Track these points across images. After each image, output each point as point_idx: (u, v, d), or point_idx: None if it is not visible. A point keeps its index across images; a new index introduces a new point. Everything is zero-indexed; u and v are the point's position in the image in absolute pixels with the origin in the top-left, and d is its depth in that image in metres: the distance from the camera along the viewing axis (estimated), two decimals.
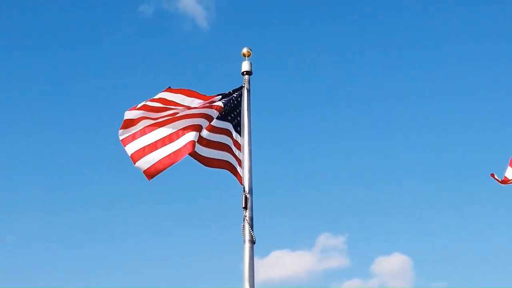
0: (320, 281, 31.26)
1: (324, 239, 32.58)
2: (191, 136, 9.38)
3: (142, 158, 9.43)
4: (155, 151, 9.47)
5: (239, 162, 10.16)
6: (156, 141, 9.54)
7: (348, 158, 34.61)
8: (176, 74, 32.94)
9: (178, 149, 9.45)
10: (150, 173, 9.44)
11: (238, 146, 10.29)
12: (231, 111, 10.35)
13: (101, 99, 34.12)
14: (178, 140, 9.46)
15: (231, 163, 10.11)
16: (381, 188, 34.03)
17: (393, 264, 32.11)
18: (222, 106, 10.12)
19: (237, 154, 10.22)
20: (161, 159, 9.43)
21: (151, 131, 9.59)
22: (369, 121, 35.27)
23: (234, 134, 10.35)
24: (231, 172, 10.09)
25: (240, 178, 10.03)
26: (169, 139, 9.51)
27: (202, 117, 9.73)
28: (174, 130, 9.53)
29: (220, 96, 10.32)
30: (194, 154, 9.80)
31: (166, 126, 9.61)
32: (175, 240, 30.39)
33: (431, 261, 31.30)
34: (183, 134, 9.45)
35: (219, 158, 10.14)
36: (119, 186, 31.80)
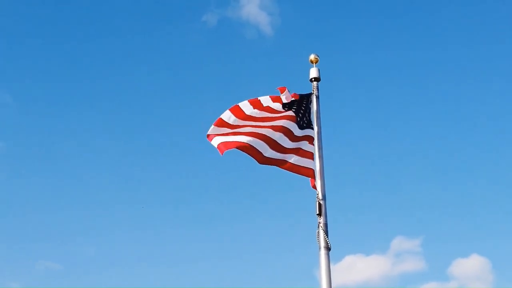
0: (395, 285, 30.83)
1: (398, 242, 32.16)
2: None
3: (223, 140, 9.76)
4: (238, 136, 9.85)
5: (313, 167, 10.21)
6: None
7: (420, 159, 34.13)
8: (242, 83, 33.21)
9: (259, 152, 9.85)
10: (223, 146, 9.74)
11: (311, 154, 10.31)
12: (306, 120, 10.41)
13: (170, 108, 34.65)
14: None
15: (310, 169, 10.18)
16: (456, 188, 33.39)
17: (471, 266, 31.42)
18: (294, 115, 10.24)
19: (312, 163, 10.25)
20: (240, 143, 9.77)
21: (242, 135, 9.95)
22: (442, 121, 34.68)
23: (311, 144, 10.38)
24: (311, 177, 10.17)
25: (314, 185, 10.06)
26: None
27: (283, 132, 10.07)
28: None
29: (288, 101, 10.40)
30: (285, 164, 10.10)
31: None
32: (251, 245, 30.54)
33: (511, 262, 30.44)
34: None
35: (307, 166, 10.22)
36: (200, 192, 32.19)
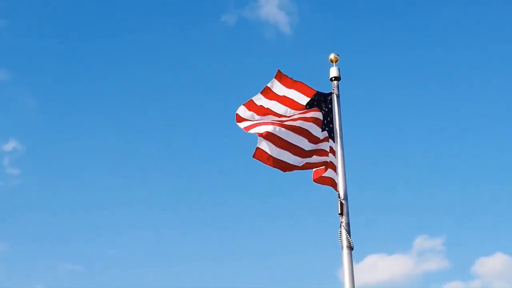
0: (418, 284, 30.65)
1: (421, 241, 31.97)
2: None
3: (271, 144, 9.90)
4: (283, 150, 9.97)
5: (334, 168, 10.19)
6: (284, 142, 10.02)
7: (443, 158, 33.92)
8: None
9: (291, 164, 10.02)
10: (263, 157, 9.91)
11: (334, 152, 10.30)
12: (326, 121, 10.41)
13: (190, 108, 34.76)
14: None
15: (331, 178, 10.19)
16: (479, 186, 33.16)
17: (495, 265, 31.14)
18: (321, 119, 10.28)
19: (333, 161, 10.25)
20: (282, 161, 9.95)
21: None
22: (464, 120, 34.43)
23: (333, 145, 10.38)
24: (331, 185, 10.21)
25: (335, 185, 10.05)
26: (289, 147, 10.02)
27: (308, 137, 10.15)
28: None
29: (314, 102, 10.44)
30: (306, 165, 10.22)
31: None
32: (274, 244, 30.55)
33: None
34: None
35: (333, 177, 10.18)
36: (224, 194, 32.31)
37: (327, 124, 10.45)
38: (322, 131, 10.35)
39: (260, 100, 10.49)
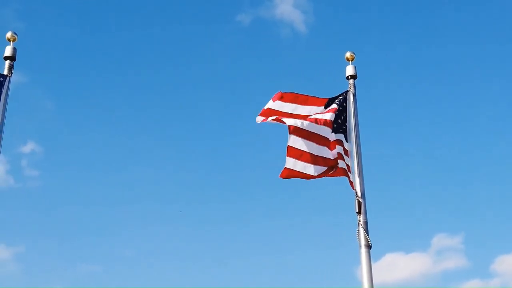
0: (437, 283, 30.44)
1: (439, 240, 31.75)
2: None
3: (295, 160, 9.97)
4: (304, 162, 10.02)
5: (348, 167, 10.16)
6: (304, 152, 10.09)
7: (460, 155, 33.72)
8: (278, 82, 33.13)
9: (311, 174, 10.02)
10: (286, 175, 9.98)
11: (347, 152, 10.26)
12: (340, 121, 10.34)
13: (206, 108, 34.82)
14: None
15: (346, 170, 10.16)
16: (497, 183, 32.90)
17: None
18: (332, 120, 10.20)
19: (347, 161, 10.21)
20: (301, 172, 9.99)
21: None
22: (481, 117, 34.21)
23: (346, 143, 10.35)
24: (347, 177, 10.16)
25: (351, 184, 10.03)
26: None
27: (321, 142, 10.13)
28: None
29: (327, 103, 10.39)
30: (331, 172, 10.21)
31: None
32: (292, 243, 30.51)
33: None
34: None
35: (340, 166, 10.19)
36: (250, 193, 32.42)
37: (341, 124, 10.37)
38: (334, 132, 10.24)
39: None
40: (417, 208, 31.20)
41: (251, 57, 34.74)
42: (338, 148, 10.17)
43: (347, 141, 10.33)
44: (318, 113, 10.22)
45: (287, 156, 9.97)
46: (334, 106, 10.32)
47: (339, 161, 10.06)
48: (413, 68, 34.67)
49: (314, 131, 10.09)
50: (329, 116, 10.08)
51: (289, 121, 9.95)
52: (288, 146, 10.00)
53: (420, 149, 33.41)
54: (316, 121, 9.99)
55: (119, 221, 30.17)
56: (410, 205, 31.34)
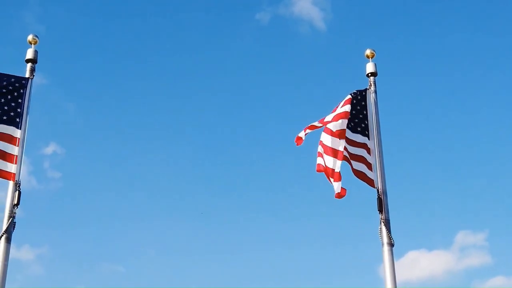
0: (460, 281, 30.22)
1: (463, 237, 31.52)
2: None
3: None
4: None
5: (369, 165, 10.12)
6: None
7: (482, 151, 33.46)
8: (298, 79, 33.08)
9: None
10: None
11: (368, 150, 10.21)
12: (359, 119, 10.27)
13: (227, 107, 34.87)
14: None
15: (366, 175, 10.13)
16: None
17: None
18: (348, 111, 10.13)
19: (368, 159, 10.16)
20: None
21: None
22: (504, 113, 33.92)
23: (368, 142, 10.32)
24: (367, 183, 10.13)
25: (371, 183, 9.99)
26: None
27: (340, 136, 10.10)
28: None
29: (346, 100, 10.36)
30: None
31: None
32: (314, 241, 30.45)
33: None
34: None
35: (361, 170, 10.15)
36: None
37: (359, 122, 10.30)
38: (353, 132, 10.20)
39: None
40: (439, 205, 31.00)
41: (271, 55, 34.72)
42: (353, 149, 10.16)
43: (368, 139, 10.29)
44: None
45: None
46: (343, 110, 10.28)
47: (352, 162, 10.05)
48: (436, 63, 34.44)
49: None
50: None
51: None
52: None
53: (442, 145, 33.20)
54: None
55: (141, 221, 30.32)
56: (433, 202, 31.15)
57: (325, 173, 9.89)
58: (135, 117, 33.22)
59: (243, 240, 29.52)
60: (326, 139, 9.97)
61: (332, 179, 9.74)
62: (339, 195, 9.58)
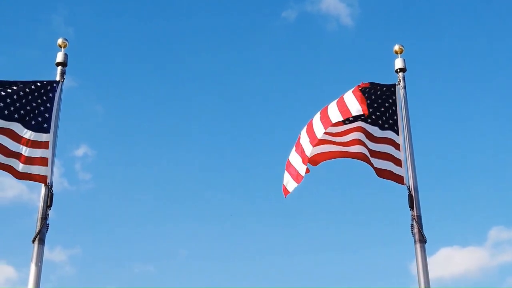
0: (494, 277, 29.86)
1: (496, 233, 31.13)
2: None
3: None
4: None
5: (398, 162, 10.03)
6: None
7: None
8: (326, 76, 32.95)
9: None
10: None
11: (398, 146, 10.13)
12: (388, 114, 10.19)
13: (256, 106, 34.93)
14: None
15: (393, 172, 10.01)
16: None
17: None
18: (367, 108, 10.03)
19: (396, 156, 10.08)
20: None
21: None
22: None
23: (397, 138, 10.22)
24: (393, 180, 10.04)
25: (400, 179, 9.91)
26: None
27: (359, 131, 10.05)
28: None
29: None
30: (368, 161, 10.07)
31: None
32: (346, 239, 30.36)
33: None
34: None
35: (385, 168, 10.05)
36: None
37: (388, 118, 10.22)
38: (382, 129, 10.11)
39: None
40: (472, 201, 30.69)
41: (298, 52, 34.64)
42: (376, 146, 10.08)
43: (397, 135, 10.21)
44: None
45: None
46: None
47: (374, 159, 10.01)
48: (465, 58, 34.09)
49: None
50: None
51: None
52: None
53: (473, 140, 32.86)
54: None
55: (171, 221, 30.47)
56: (465, 197, 30.84)
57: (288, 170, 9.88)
58: (165, 118, 33.40)
59: (272, 241, 29.51)
60: (304, 136, 9.83)
61: (292, 179, 9.70)
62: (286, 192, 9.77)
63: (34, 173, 9.57)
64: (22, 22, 33.33)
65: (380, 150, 10.05)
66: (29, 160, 9.54)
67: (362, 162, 10.04)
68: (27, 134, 9.62)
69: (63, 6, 33.70)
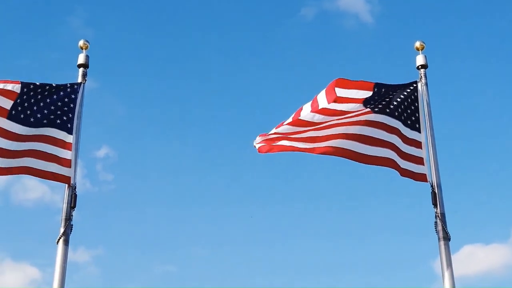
0: None
1: None
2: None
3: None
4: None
5: (419, 160, 9.96)
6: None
7: None
8: (346, 74, 32.79)
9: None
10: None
11: (411, 142, 10.01)
12: (401, 107, 10.08)
13: (277, 104, 34.91)
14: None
15: (392, 160, 9.85)
16: None
17: None
18: (380, 121, 9.93)
19: (407, 151, 9.96)
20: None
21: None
22: None
23: (419, 135, 10.12)
24: (393, 168, 9.86)
25: (423, 177, 9.85)
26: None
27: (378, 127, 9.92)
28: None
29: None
30: (348, 153, 9.85)
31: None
32: (368, 236, 30.25)
33: None
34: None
35: (407, 168, 9.88)
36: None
37: (410, 115, 10.14)
38: (405, 125, 10.04)
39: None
40: (495, 197, 30.45)
41: (318, 50, 34.56)
42: (409, 148, 10.01)
43: (419, 132, 10.14)
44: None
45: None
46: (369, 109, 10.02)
47: (413, 164, 9.89)
48: (484, 55, 33.81)
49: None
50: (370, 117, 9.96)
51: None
52: None
53: (496, 136, 32.58)
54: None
55: (193, 222, 30.56)
56: (488, 194, 30.61)
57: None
58: (186, 118, 33.49)
59: (297, 234, 29.42)
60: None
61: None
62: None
63: (58, 173, 9.66)
64: (43, 25, 33.64)
65: (408, 152, 9.94)
66: (57, 160, 9.68)
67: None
68: (60, 135, 9.79)
69: (82, 8, 33.96)
